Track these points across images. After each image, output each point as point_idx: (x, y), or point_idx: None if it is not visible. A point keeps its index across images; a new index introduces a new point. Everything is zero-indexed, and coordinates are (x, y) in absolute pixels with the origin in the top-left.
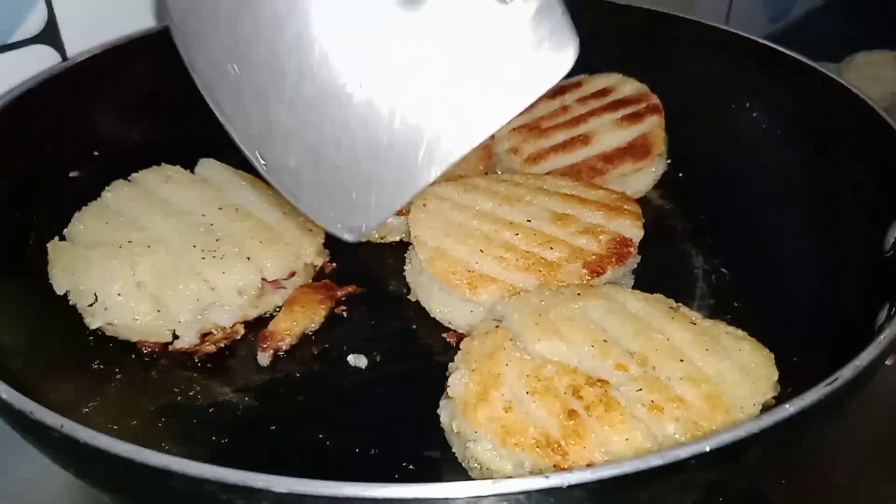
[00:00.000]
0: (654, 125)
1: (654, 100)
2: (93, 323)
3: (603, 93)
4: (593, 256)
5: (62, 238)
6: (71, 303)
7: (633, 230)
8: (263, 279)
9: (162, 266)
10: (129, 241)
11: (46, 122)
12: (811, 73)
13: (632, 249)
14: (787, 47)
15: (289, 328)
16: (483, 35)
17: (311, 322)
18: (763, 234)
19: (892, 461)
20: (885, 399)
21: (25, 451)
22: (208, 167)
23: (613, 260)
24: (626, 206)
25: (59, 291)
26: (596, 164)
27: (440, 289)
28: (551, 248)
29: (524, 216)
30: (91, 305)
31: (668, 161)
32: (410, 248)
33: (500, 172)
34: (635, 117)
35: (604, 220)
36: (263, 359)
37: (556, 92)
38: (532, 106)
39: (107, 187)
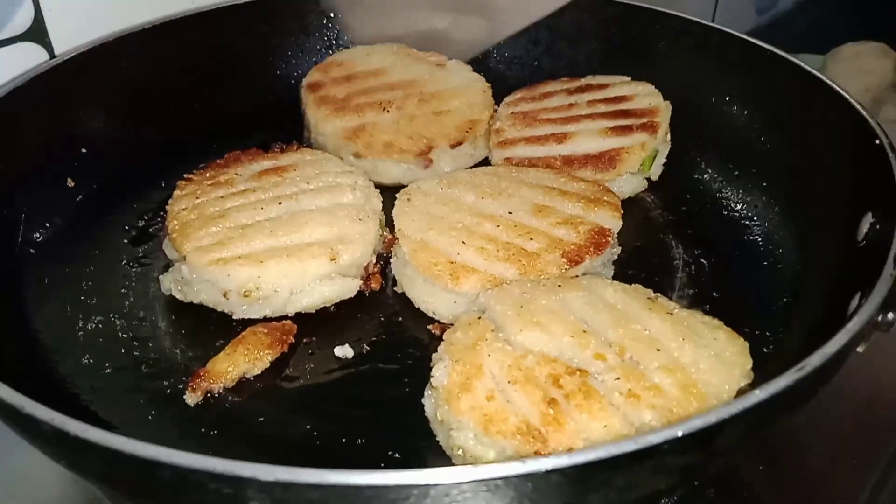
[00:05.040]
0: (637, 142)
1: (657, 119)
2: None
3: (617, 100)
4: (572, 246)
5: None
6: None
7: (612, 221)
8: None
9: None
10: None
11: (34, 120)
12: (789, 67)
13: (609, 239)
14: (773, 39)
15: (224, 371)
16: None
17: (253, 367)
18: (741, 225)
19: (868, 447)
20: (862, 386)
21: (20, 446)
22: None
23: (591, 249)
24: (604, 198)
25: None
26: (554, 164)
27: (424, 280)
28: (531, 239)
29: (505, 208)
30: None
31: (647, 179)
32: (396, 241)
33: (488, 146)
34: (624, 130)
35: (583, 212)
36: (191, 398)
37: (578, 89)
38: (547, 96)
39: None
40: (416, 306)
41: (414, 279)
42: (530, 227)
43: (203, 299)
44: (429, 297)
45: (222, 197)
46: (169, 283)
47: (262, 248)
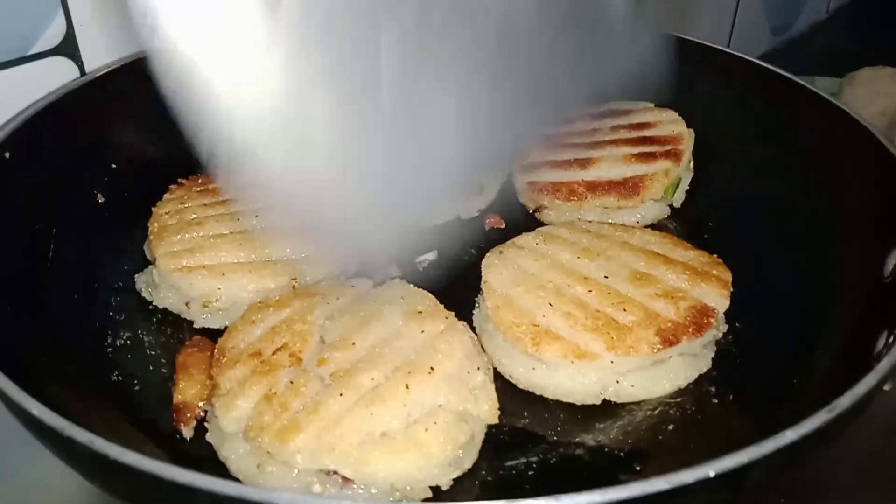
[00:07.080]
0: (660, 169)
1: (681, 146)
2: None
3: (641, 126)
4: (668, 324)
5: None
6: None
7: (718, 299)
8: None
9: None
10: None
11: (65, 135)
12: (809, 95)
13: (712, 320)
14: (789, 61)
15: (199, 393)
16: None
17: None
18: (763, 256)
19: (889, 478)
20: (883, 418)
21: (38, 454)
22: None
23: (690, 330)
24: (714, 272)
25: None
26: (578, 189)
27: (504, 340)
28: (624, 310)
29: (602, 272)
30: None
31: (670, 206)
32: (481, 292)
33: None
34: (648, 157)
35: (687, 285)
36: (188, 432)
37: (603, 115)
38: (570, 120)
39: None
40: (493, 365)
41: (494, 337)
42: (625, 297)
43: (169, 304)
44: (506, 357)
45: (205, 205)
46: (141, 284)
47: (228, 260)
